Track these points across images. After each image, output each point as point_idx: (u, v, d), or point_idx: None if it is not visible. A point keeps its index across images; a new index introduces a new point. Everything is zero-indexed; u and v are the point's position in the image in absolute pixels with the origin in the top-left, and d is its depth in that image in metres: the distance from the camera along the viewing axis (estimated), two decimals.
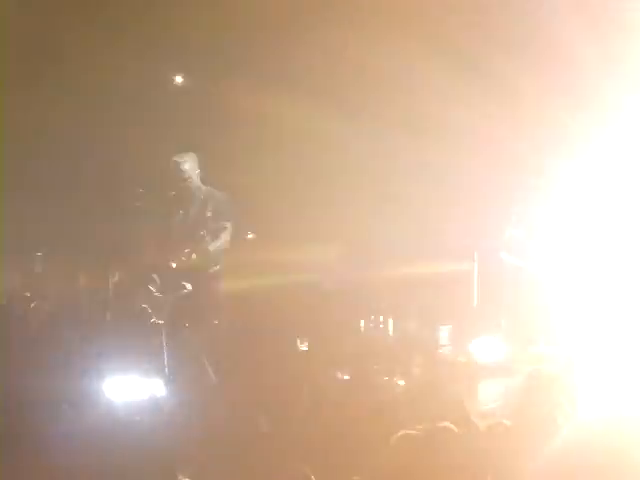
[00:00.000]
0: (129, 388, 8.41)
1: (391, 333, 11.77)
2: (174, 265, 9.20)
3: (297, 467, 5.76)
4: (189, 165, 9.46)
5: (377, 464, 5.79)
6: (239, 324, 12.08)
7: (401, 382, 8.84)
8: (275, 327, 12.36)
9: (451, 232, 14.27)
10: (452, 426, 6.48)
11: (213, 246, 9.31)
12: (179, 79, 14.11)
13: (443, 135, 13.34)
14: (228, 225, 9.41)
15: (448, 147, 13.22)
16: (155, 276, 9.29)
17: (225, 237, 9.37)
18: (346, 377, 9.22)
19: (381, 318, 11.63)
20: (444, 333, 12.98)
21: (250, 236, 16.46)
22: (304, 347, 10.91)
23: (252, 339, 12.00)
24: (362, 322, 11.36)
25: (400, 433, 6.52)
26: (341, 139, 14.07)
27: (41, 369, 8.42)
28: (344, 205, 14.44)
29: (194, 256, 9.17)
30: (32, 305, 13.45)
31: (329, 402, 7.78)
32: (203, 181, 9.67)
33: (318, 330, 11.97)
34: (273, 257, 12.35)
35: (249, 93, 12.88)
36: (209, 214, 9.39)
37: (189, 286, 9.21)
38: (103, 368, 8.73)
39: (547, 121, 13.52)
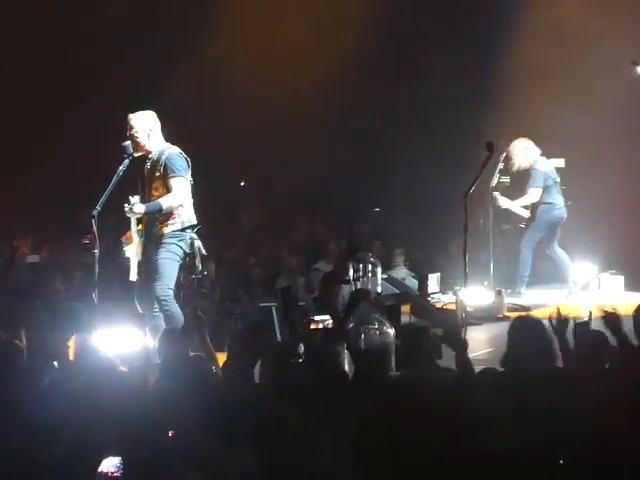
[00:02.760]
0: (119, 340, 8.30)
1: (379, 282, 11.56)
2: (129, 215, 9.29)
3: None
4: (136, 122, 9.40)
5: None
6: None
7: (391, 330, 8.62)
8: None
9: (441, 181, 14.18)
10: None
11: (165, 201, 9.26)
12: None
13: None
14: (175, 181, 9.27)
15: None
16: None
17: (176, 192, 9.26)
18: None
19: (369, 267, 11.40)
20: (433, 281, 12.84)
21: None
22: None
23: None
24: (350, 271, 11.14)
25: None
26: None
27: (28, 321, 8.25)
28: None
29: (136, 209, 9.18)
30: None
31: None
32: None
33: None
34: None
35: None
36: (158, 172, 9.37)
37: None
38: (92, 320, 8.61)
39: None
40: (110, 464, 5.12)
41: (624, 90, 14.62)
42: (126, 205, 9.19)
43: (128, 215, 9.28)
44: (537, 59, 14.89)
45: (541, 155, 13.17)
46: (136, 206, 9.20)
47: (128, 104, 10.19)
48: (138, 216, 9.32)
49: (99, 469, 5.13)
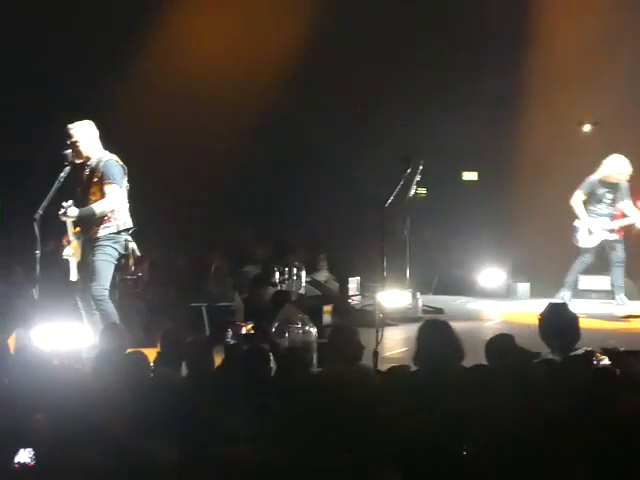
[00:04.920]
0: (58, 335, 8.30)
1: (303, 284, 11.70)
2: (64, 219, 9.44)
3: None
4: (76, 131, 9.51)
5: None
6: None
7: (313, 330, 8.74)
8: None
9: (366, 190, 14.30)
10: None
11: (97, 207, 9.43)
12: None
13: None
14: (109, 188, 9.42)
15: None
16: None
17: (109, 198, 9.42)
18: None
19: (294, 270, 11.53)
20: (353, 284, 12.99)
21: None
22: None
23: None
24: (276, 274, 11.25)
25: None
26: None
27: None
28: None
29: (69, 213, 9.35)
30: None
31: None
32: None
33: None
34: None
35: None
36: (96, 178, 9.51)
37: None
38: (32, 316, 8.62)
39: None
40: (25, 455, 5.10)
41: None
42: (61, 209, 9.30)
43: (62, 219, 9.39)
44: None
45: None
46: (70, 210, 9.33)
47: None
48: (72, 219, 9.42)
49: (15, 460, 5.10)
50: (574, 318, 7.52)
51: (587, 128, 15.55)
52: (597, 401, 5.26)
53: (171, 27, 15.40)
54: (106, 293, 9.34)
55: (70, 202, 9.36)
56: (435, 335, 6.51)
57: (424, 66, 15.17)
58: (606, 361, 6.90)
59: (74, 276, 9.49)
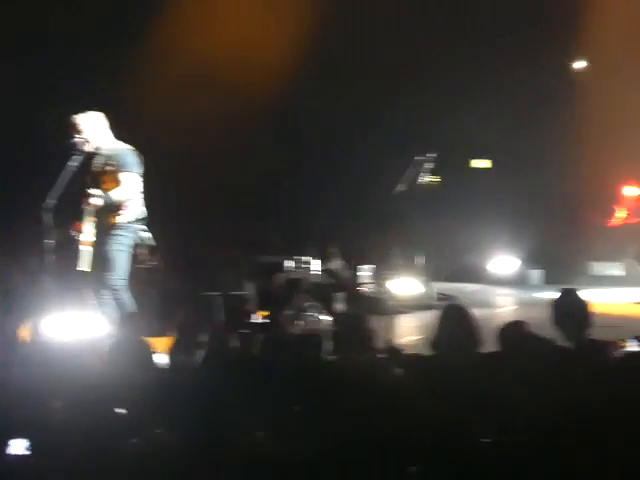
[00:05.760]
0: (72, 325, 8.31)
1: (317, 272, 11.69)
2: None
3: None
4: (82, 121, 9.52)
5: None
6: None
7: (327, 317, 8.73)
8: None
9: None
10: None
11: (115, 195, 9.37)
12: None
13: None
14: (125, 176, 9.39)
15: None
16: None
17: (125, 186, 9.39)
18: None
19: (308, 259, 11.52)
20: (366, 272, 12.97)
21: None
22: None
23: None
24: (286, 262, 11.24)
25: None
26: None
27: None
28: None
29: (90, 203, 9.32)
30: None
31: None
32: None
33: None
34: None
35: None
36: (110, 168, 9.44)
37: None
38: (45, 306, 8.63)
39: None
40: (20, 446, 5.10)
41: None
42: (89, 197, 9.27)
43: (88, 207, 9.31)
44: None
45: None
46: (97, 198, 9.26)
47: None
48: (96, 208, 9.36)
49: (8, 451, 5.08)
50: (586, 304, 7.47)
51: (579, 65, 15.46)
52: (631, 386, 5.22)
53: (183, 16, 15.35)
54: (123, 283, 9.31)
55: (99, 191, 9.30)
56: (456, 320, 6.49)
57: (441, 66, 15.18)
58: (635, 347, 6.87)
59: (87, 266, 9.43)
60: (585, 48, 15.13)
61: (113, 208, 9.38)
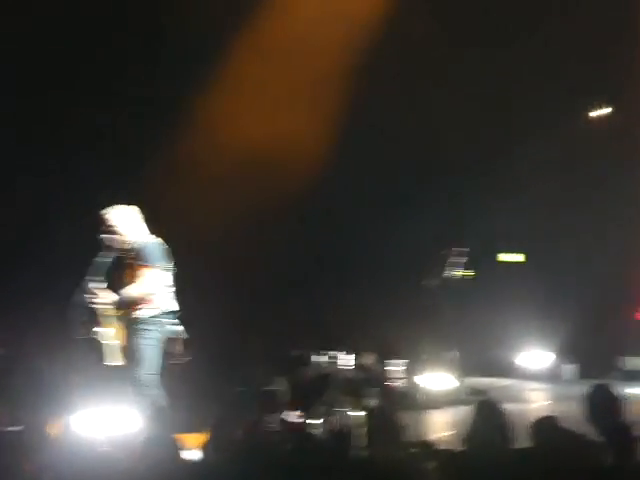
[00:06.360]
0: (104, 420, 8.32)
1: (350, 367, 11.68)
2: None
3: None
4: (113, 216, 9.54)
5: None
6: None
7: (359, 413, 8.71)
8: None
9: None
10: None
11: (132, 290, 9.33)
12: None
13: None
14: (145, 271, 9.35)
15: None
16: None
17: (146, 281, 9.33)
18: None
19: (340, 353, 11.53)
20: (399, 366, 12.94)
21: None
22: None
23: None
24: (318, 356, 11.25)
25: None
26: None
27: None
28: None
29: (102, 299, 9.30)
30: None
31: None
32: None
33: None
34: None
35: None
36: (137, 261, 9.43)
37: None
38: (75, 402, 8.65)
39: None
40: None
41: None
42: (92, 294, 9.26)
43: (93, 305, 9.30)
44: None
45: None
46: (102, 294, 9.26)
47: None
48: (104, 305, 9.32)
49: None
50: (617, 399, 7.44)
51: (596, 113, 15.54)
52: None
53: (215, 107, 15.55)
54: (152, 378, 9.21)
55: (100, 285, 9.29)
56: (488, 416, 6.48)
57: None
58: None
59: (117, 360, 9.31)
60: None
61: (135, 302, 9.31)
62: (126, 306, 9.35)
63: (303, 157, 15.33)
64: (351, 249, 16.20)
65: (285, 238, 15.61)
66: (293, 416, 9.29)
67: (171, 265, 9.57)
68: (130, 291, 9.34)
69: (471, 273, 13.48)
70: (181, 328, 9.44)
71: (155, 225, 9.80)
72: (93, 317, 9.52)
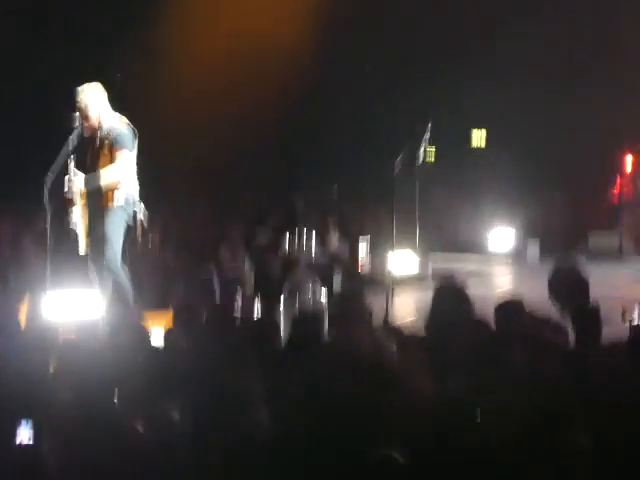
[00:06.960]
0: (70, 303, 8.34)
1: (313, 249, 11.70)
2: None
3: None
4: (86, 95, 9.32)
5: None
6: None
7: (323, 297, 8.77)
8: None
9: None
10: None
11: (106, 173, 9.20)
12: None
13: None
14: (120, 153, 9.22)
15: None
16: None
17: (118, 164, 9.20)
18: None
19: (304, 237, 11.55)
20: (363, 244, 12.98)
21: None
22: None
23: None
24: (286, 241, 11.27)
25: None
26: None
27: None
28: None
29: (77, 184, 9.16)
30: None
31: None
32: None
33: None
34: None
35: None
36: (107, 143, 9.29)
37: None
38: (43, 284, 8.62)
39: None
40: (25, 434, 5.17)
41: None
42: (67, 182, 9.15)
43: (69, 194, 9.21)
44: None
45: None
46: (77, 179, 9.15)
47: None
48: (79, 190, 9.22)
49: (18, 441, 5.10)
50: (582, 279, 7.42)
51: None
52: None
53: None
54: (117, 264, 9.18)
55: (75, 174, 9.17)
56: (449, 302, 6.45)
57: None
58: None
59: (82, 249, 9.29)
60: None
61: (105, 188, 9.23)
62: (98, 190, 9.23)
63: (284, 46, 15.21)
64: (322, 127, 16.19)
65: (262, 121, 15.55)
66: (255, 302, 9.32)
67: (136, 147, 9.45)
68: (103, 174, 9.20)
69: (432, 149, 13.47)
70: (142, 215, 9.37)
71: (124, 105, 9.66)
72: (63, 202, 9.46)
